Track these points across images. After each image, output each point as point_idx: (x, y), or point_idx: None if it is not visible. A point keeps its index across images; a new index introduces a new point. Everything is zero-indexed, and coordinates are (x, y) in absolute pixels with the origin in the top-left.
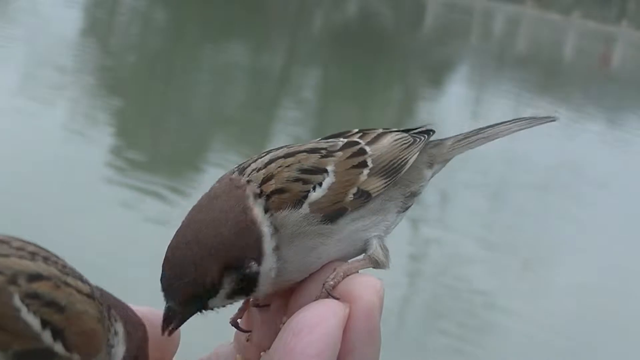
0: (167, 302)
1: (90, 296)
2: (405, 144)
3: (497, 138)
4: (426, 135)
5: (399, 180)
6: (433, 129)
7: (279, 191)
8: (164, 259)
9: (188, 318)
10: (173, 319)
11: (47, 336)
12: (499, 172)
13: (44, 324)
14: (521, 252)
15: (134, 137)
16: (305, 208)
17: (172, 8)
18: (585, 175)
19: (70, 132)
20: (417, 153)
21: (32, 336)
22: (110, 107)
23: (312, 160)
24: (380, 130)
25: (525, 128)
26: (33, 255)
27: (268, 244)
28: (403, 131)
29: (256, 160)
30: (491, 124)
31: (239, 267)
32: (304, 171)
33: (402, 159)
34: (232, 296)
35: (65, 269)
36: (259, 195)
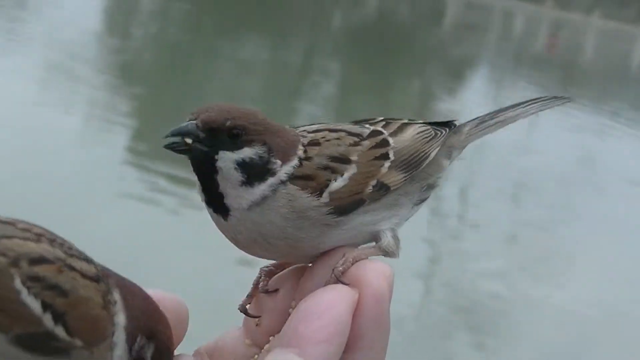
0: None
1: (94, 279)
2: (427, 137)
3: (514, 121)
4: (447, 129)
5: (418, 174)
6: (456, 122)
7: (307, 177)
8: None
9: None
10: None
11: (47, 319)
12: (519, 167)
13: (45, 307)
14: (543, 248)
15: (151, 130)
16: (325, 197)
17: (191, 3)
18: (609, 171)
19: (89, 125)
20: (439, 148)
21: (32, 319)
22: (129, 101)
23: (342, 147)
24: (404, 121)
25: (541, 110)
26: (38, 237)
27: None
28: (426, 123)
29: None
30: (506, 106)
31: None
32: (334, 159)
33: (424, 152)
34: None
35: (71, 251)
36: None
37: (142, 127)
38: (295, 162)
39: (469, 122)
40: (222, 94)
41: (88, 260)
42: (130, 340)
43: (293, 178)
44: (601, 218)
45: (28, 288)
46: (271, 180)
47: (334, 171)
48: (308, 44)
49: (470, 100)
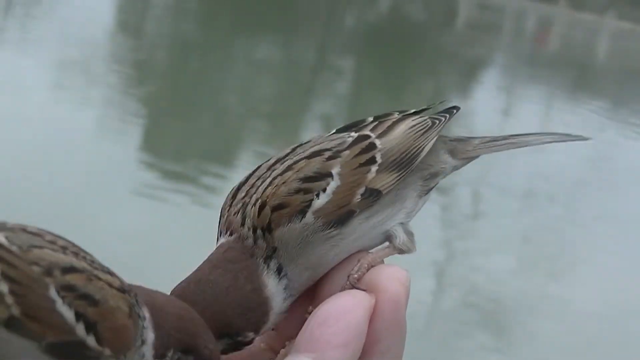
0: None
1: (120, 290)
2: (421, 129)
3: (526, 146)
4: (447, 115)
5: (416, 167)
6: (457, 105)
7: (278, 207)
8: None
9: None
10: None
11: (80, 329)
12: (533, 165)
13: (78, 316)
14: (556, 247)
15: (166, 129)
16: (309, 217)
17: (205, 1)
18: (624, 171)
19: (103, 124)
20: (434, 139)
21: (66, 328)
22: (143, 99)
23: (314, 166)
24: (396, 117)
25: (555, 142)
26: (64, 249)
27: (276, 311)
28: (424, 110)
29: (259, 187)
30: (521, 132)
31: (234, 336)
32: (305, 180)
33: (417, 147)
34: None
35: (94, 264)
36: (269, 258)
37: (156, 124)
38: (272, 276)
39: (480, 137)
40: (235, 92)
41: (111, 273)
42: (160, 354)
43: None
44: (616, 217)
45: (62, 297)
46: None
47: (308, 191)
48: (321, 42)
49: (482, 100)
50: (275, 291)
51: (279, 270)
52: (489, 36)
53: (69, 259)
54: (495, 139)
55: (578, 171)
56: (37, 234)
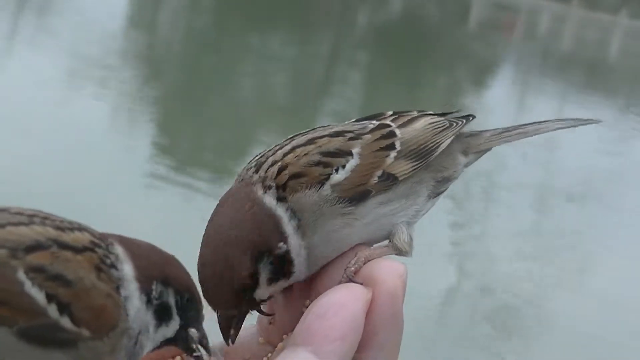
0: (217, 312)
1: (89, 248)
2: (439, 127)
3: (536, 134)
4: (464, 120)
5: (431, 164)
6: (473, 114)
7: (296, 175)
8: (199, 274)
9: (244, 319)
10: (231, 324)
11: (52, 310)
12: (543, 171)
13: (49, 298)
14: (566, 250)
15: (179, 126)
16: (326, 189)
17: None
18: (632, 178)
19: (116, 120)
20: (452, 137)
21: (37, 311)
22: (157, 93)
23: (336, 143)
24: (415, 113)
25: (566, 127)
26: (31, 218)
27: (287, 225)
28: (441, 114)
29: (276, 151)
30: (532, 121)
31: (268, 250)
32: (326, 154)
33: (434, 142)
34: (273, 281)
35: (63, 224)
36: (269, 187)
37: (170, 118)
38: (272, 196)
39: (491, 129)
40: (249, 87)
41: (81, 229)
42: (145, 288)
43: (283, 197)
44: (634, 214)
45: (31, 279)
46: (292, 241)
47: (328, 165)
48: (334, 40)
49: (495, 98)
50: (277, 207)
51: (279, 199)
52: (501, 34)
53: (33, 233)
54: (506, 130)
55: (591, 166)
56: (1, 209)
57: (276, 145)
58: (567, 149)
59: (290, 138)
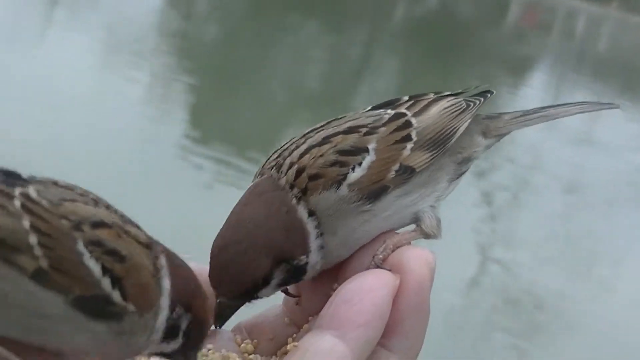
0: (218, 297)
1: (146, 245)
2: (456, 111)
3: (556, 118)
4: (482, 99)
5: (449, 149)
6: (492, 90)
7: (314, 177)
8: (213, 257)
9: (237, 309)
10: (225, 313)
11: (106, 283)
12: (571, 172)
13: (105, 271)
14: (589, 252)
15: (211, 113)
16: (344, 189)
17: None
18: None
19: (148, 107)
20: (469, 120)
21: (92, 282)
22: (190, 82)
23: (351, 140)
24: (432, 97)
25: (586, 111)
26: (96, 202)
27: (314, 242)
28: (458, 94)
29: (292, 151)
30: (552, 105)
31: (289, 259)
32: (342, 153)
33: (452, 128)
34: (280, 285)
35: (124, 218)
36: (298, 198)
37: (202, 107)
38: (304, 207)
39: (511, 112)
40: (281, 79)
41: (139, 227)
42: (172, 306)
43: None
44: None
45: (90, 251)
46: (312, 254)
47: (344, 164)
48: (369, 35)
49: (529, 98)
50: (308, 221)
51: (310, 213)
52: (538, 34)
53: (100, 213)
54: (526, 113)
55: (619, 172)
56: (69, 187)
57: (292, 143)
58: (597, 147)
59: (305, 135)
